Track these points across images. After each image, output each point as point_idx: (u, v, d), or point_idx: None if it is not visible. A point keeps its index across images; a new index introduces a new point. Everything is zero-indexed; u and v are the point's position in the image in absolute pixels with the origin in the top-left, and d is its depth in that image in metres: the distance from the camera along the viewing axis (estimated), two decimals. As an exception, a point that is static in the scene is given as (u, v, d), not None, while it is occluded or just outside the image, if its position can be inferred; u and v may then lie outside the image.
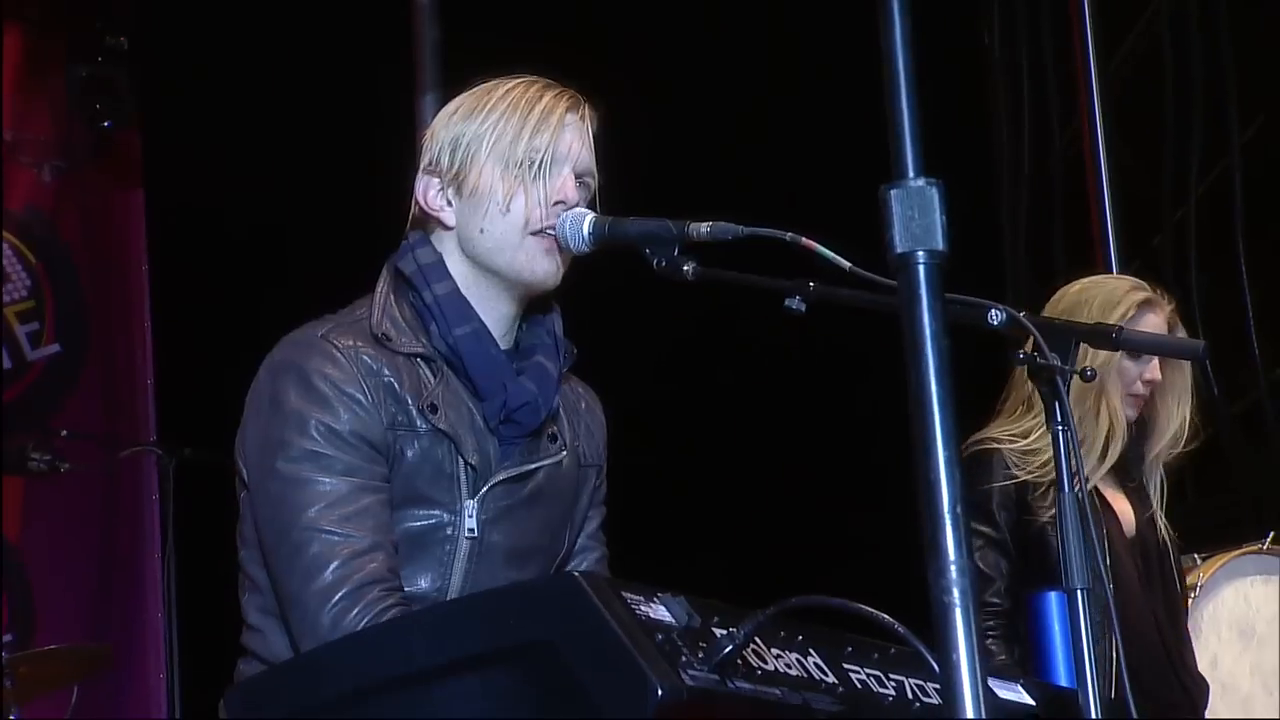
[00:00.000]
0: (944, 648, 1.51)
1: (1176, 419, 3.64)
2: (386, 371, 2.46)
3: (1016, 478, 3.51)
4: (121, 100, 5.95)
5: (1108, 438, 3.52)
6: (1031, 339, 2.34)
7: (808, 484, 5.81)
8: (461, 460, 2.48)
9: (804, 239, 2.28)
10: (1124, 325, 3.48)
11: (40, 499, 5.75)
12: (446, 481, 2.47)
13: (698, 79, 5.78)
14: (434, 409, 2.46)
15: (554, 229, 2.48)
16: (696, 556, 5.49)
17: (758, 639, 1.79)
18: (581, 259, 2.51)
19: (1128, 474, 3.65)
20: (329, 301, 2.57)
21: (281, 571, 2.41)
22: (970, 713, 1.49)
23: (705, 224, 2.36)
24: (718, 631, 1.76)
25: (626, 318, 4.94)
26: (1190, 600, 4.00)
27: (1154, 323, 3.58)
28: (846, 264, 2.26)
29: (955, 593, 1.50)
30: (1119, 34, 5.82)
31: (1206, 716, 3.68)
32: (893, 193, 1.56)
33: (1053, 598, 2.56)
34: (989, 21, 5.99)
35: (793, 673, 1.81)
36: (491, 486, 2.50)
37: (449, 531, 2.48)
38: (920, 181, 1.56)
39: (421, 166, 2.57)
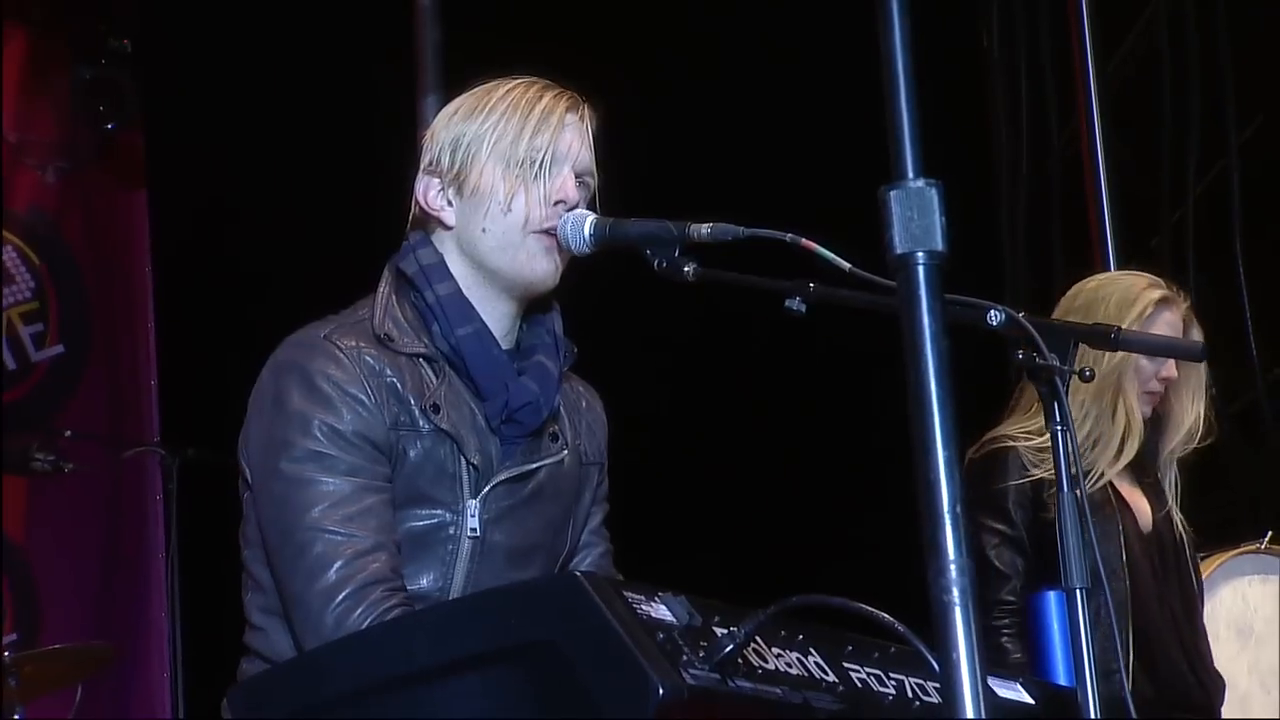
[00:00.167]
0: (944, 647, 1.51)
1: (1191, 415, 3.64)
2: (389, 372, 2.47)
3: (1032, 475, 3.51)
4: (125, 102, 5.96)
5: (1124, 435, 3.53)
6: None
7: (808, 483, 5.81)
8: (464, 460, 2.49)
9: (804, 240, 2.28)
10: (1141, 323, 3.50)
11: (44, 499, 5.76)
12: (449, 481, 2.48)
13: (698, 79, 5.79)
14: (436, 409, 2.47)
15: (554, 229, 2.49)
16: (697, 556, 5.49)
17: (758, 638, 1.79)
18: (582, 259, 2.52)
19: (1143, 470, 3.65)
20: (331, 302, 2.58)
21: (285, 571, 2.42)
22: (970, 712, 1.50)
23: (706, 225, 2.37)
24: (719, 631, 1.77)
25: (627, 318, 4.95)
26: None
27: (1170, 320, 3.59)
28: (846, 265, 2.27)
29: (955, 592, 1.51)
30: (1117, 35, 5.83)
31: (1222, 712, 3.69)
32: (892, 194, 1.56)
33: (1052, 597, 2.57)
34: (987, 22, 5.99)
35: (793, 672, 1.82)
36: (493, 486, 2.51)
37: (451, 531, 2.48)
38: (920, 182, 1.56)
39: (422, 167, 2.58)
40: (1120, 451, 3.53)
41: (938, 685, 1.88)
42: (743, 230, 2.34)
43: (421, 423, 2.47)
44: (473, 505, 2.49)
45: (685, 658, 1.71)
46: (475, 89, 2.59)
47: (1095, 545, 3.48)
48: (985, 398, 3.71)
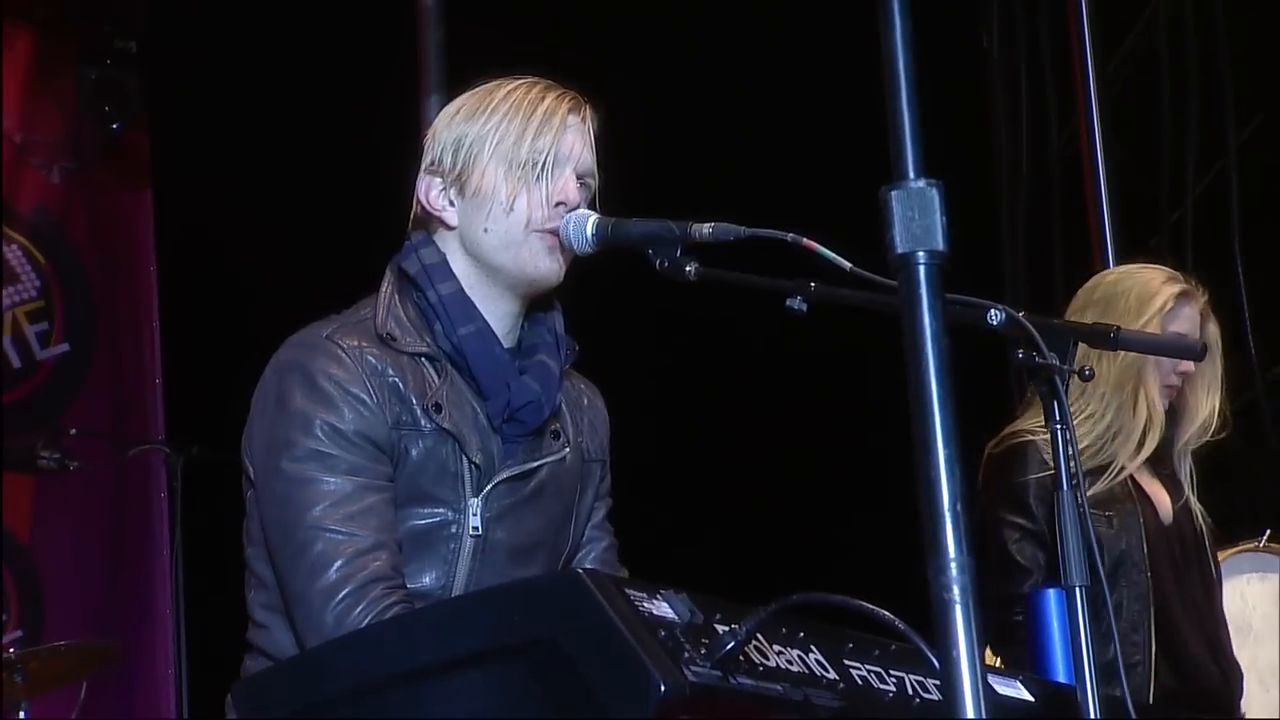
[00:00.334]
0: (944, 644, 1.52)
1: (1206, 408, 3.65)
2: (391, 371, 2.47)
3: (1052, 469, 3.51)
4: (130, 102, 5.97)
5: (1145, 428, 3.53)
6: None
7: (809, 481, 5.82)
8: (466, 459, 2.49)
9: (805, 240, 2.29)
10: (1162, 317, 3.51)
11: (50, 497, 5.78)
12: (451, 480, 2.49)
13: (698, 79, 5.80)
14: (438, 408, 2.48)
15: (556, 229, 2.50)
16: (698, 553, 5.50)
17: (759, 635, 1.80)
18: (583, 258, 2.53)
19: (1160, 462, 3.65)
20: (334, 301, 2.59)
21: (287, 570, 2.43)
22: (970, 709, 1.51)
23: (707, 225, 2.38)
24: (720, 628, 1.77)
25: (628, 317, 4.96)
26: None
27: (1189, 315, 3.60)
28: (847, 264, 2.27)
29: (955, 590, 1.51)
30: (1117, 35, 5.84)
31: (1242, 704, 3.69)
32: (893, 194, 1.57)
33: (1051, 595, 2.57)
34: (988, 23, 6.00)
35: (794, 669, 1.82)
36: (495, 485, 2.52)
37: (453, 529, 2.49)
38: (920, 183, 1.57)
39: (423, 167, 2.59)
40: (1141, 445, 3.53)
41: (938, 683, 1.89)
42: (744, 230, 2.35)
43: (423, 422, 2.47)
44: (475, 504, 2.50)
45: (687, 655, 1.72)
46: (477, 89, 2.59)
47: (1116, 537, 3.50)
48: (984, 397, 3.72)
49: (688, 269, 2.38)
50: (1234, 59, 5.56)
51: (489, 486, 2.51)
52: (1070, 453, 2.35)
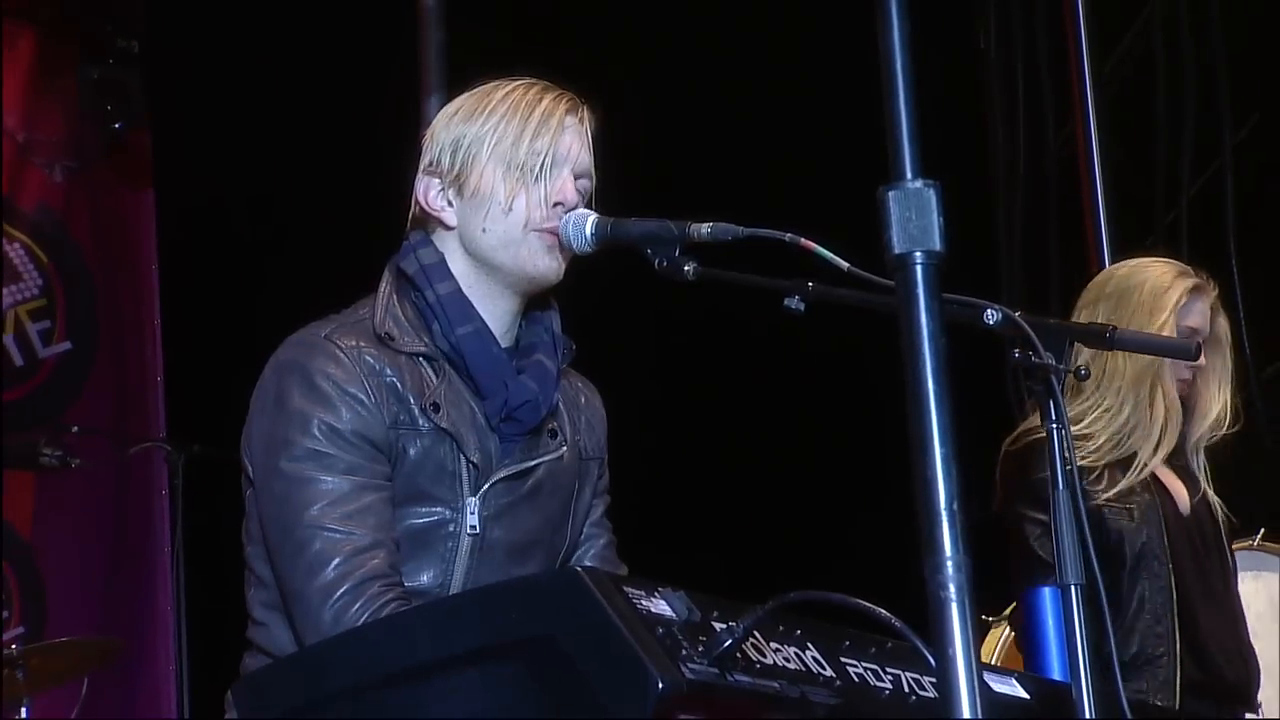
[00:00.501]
0: (940, 642, 1.53)
1: (1218, 402, 3.66)
2: (389, 371, 2.48)
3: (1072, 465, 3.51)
4: (132, 102, 5.97)
5: (1164, 424, 3.54)
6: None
7: (807, 479, 5.83)
8: (463, 458, 2.50)
9: (803, 240, 2.30)
10: (1176, 312, 3.52)
11: (52, 494, 5.79)
12: (449, 479, 2.50)
13: (697, 80, 5.80)
14: (436, 408, 2.49)
15: (555, 229, 2.51)
16: (696, 552, 5.50)
17: (757, 633, 1.80)
18: (582, 258, 2.54)
19: (1175, 455, 3.66)
20: (335, 301, 2.60)
21: (285, 568, 2.43)
22: (966, 707, 1.52)
23: (706, 225, 2.38)
24: (717, 626, 1.78)
25: (627, 316, 4.97)
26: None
27: (1200, 309, 3.61)
28: (845, 264, 2.28)
29: (951, 588, 1.52)
30: (1113, 36, 5.84)
31: (1260, 696, 3.70)
32: (891, 194, 1.58)
33: (1046, 593, 2.58)
34: (985, 24, 6.00)
35: (791, 666, 1.83)
36: (493, 483, 2.52)
37: (451, 528, 2.50)
38: (918, 183, 1.58)
39: (422, 167, 2.60)
40: (1161, 440, 3.54)
41: (934, 680, 1.90)
42: (742, 230, 2.36)
43: (421, 421, 2.48)
44: (472, 502, 2.51)
45: (684, 652, 1.72)
46: (475, 90, 2.60)
47: (1137, 529, 3.51)
48: (982, 397, 3.72)
49: (686, 268, 2.39)
50: (1230, 59, 5.57)
51: (486, 485, 2.52)
52: (1066, 452, 2.35)
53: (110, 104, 5.93)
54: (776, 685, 1.79)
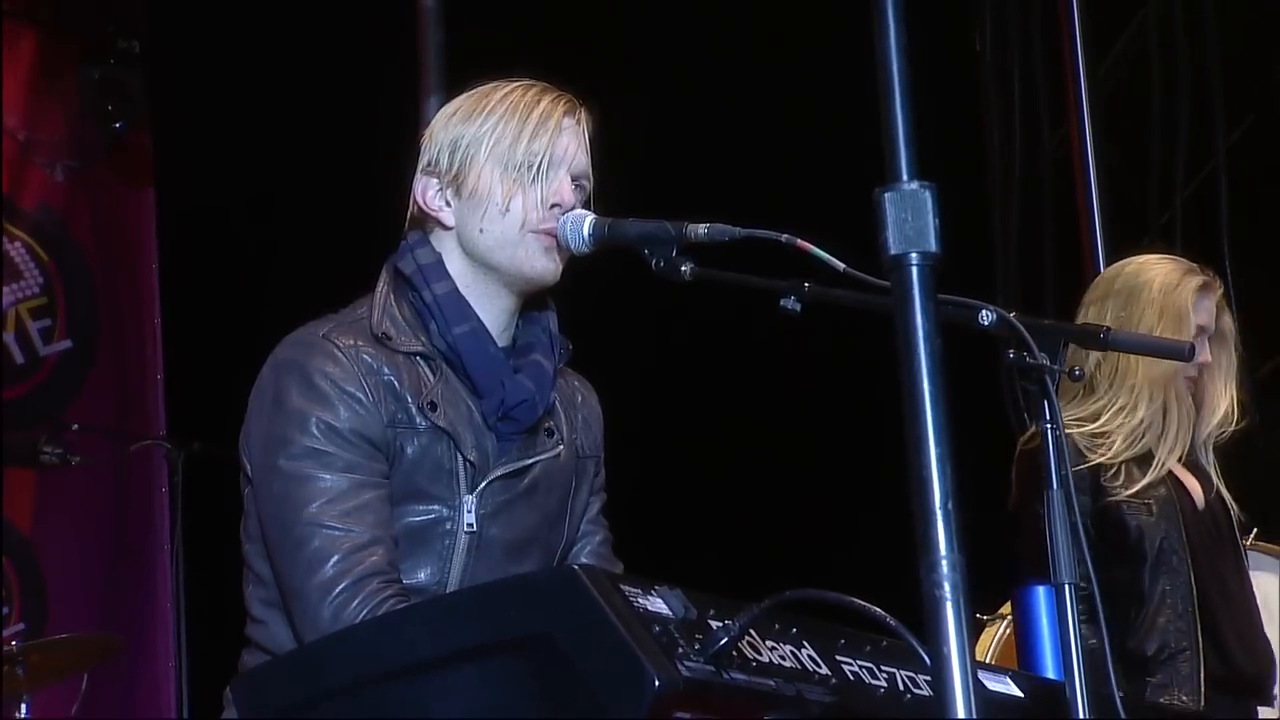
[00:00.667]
0: (935, 641, 1.54)
1: (1225, 399, 3.67)
2: (386, 370, 2.49)
3: (1089, 461, 3.52)
4: (133, 101, 5.99)
5: (1180, 421, 3.56)
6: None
7: (802, 479, 5.83)
8: (460, 457, 2.51)
9: (799, 240, 2.31)
10: (1185, 310, 3.54)
11: (52, 492, 5.80)
12: (446, 477, 2.51)
13: (696, 81, 5.81)
14: (433, 407, 2.50)
15: (553, 229, 2.52)
16: (692, 551, 5.51)
17: (753, 631, 1.80)
18: (579, 258, 2.55)
19: (1187, 452, 3.68)
20: (334, 300, 2.60)
21: (284, 566, 2.44)
22: (960, 705, 1.52)
23: (703, 225, 2.39)
24: (714, 624, 1.78)
25: (624, 316, 4.97)
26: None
27: (1208, 307, 3.63)
28: (841, 265, 2.29)
29: (946, 587, 1.53)
30: (1108, 38, 5.86)
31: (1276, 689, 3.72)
32: (886, 195, 1.59)
33: (1040, 592, 2.59)
34: (980, 26, 6.01)
35: (787, 664, 1.83)
36: (490, 482, 2.53)
37: (448, 526, 2.51)
38: (913, 184, 1.59)
39: (420, 167, 2.60)
40: (1176, 439, 3.56)
41: (929, 679, 1.91)
42: (739, 230, 2.37)
43: (419, 420, 2.49)
44: (469, 501, 2.52)
45: (681, 650, 1.72)
46: (473, 90, 2.61)
47: (1156, 525, 3.52)
48: (980, 396, 3.73)
49: (683, 269, 2.40)
50: (1224, 61, 5.58)
51: (484, 484, 2.53)
52: (1060, 453, 2.36)
53: (111, 104, 5.95)
54: (772, 683, 1.80)
